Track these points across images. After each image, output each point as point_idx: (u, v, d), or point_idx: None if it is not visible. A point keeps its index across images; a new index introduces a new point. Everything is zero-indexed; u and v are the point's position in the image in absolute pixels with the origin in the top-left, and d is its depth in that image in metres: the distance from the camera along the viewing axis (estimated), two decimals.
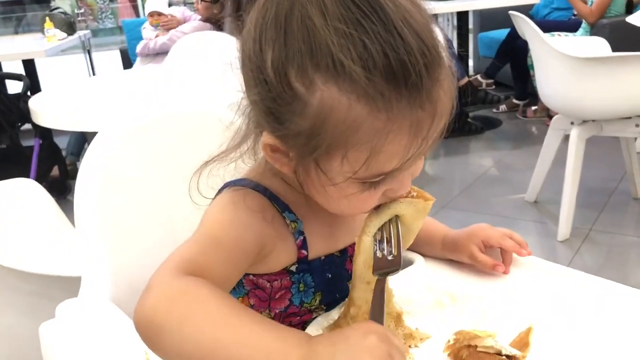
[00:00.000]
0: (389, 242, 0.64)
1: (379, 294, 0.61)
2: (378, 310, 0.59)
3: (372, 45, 0.51)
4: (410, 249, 0.86)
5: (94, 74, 5.15)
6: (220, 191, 0.70)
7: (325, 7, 0.52)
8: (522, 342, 0.62)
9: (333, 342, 0.51)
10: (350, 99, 0.52)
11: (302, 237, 0.69)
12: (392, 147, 0.54)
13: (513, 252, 0.80)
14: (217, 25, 4.20)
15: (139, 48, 4.30)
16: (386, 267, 0.63)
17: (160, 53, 4.12)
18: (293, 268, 0.70)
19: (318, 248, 0.71)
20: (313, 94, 0.53)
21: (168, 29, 4.23)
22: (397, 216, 0.65)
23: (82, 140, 3.74)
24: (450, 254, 0.83)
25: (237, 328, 0.52)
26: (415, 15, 0.53)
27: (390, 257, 0.63)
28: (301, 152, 0.58)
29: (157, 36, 4.23)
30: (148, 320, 0.54)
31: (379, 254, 0.64)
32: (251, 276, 0.70)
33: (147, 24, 4.35)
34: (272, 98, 0.55)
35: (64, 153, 3.73)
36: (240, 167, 0.71)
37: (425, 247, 0.85)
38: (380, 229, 0.64)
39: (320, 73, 0.53)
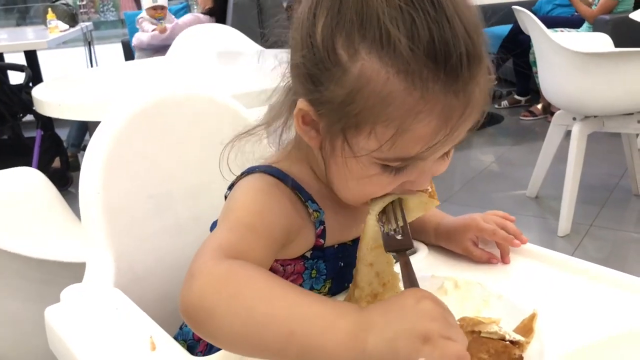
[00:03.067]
0: (395, 222, 0.64)
1: (405, 267, 0.61)
2: (410, 283, 0.59)
3: (420, 23, 0.53)
4: None
5: (95, 66, 5.15)
6: (241, 175, 0.70)
7: None
8: (526, 328, 0.62)
9: (387, 309, 0.51)
10: (389, 72, 0.54)
11: (322, 227, 0.70)
12: (420, 128, 0.55)
13: (506, 242, 0.80)
14: (216, 18, 4.21)
15: (135, 41, 4.30)
16: (397, 245, 0.63)
17: (160, 48, 4.12)
18: (307, 254, 0.71)
19: (333, 237, 0.72)
20: (355, 63, 0.55)
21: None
22: (400, 199, 0.65)
23: (83, 132, 3.74)
24: (444, 243, 0.84)
25: (288, 302, 0.52)
26: (466, 11, 0.56)
27: (399, 237, 0.63)
28: (331, 121, 0.59)
29: (153, 30, 4.22)
30: (197, 306, 0.54)
31: (388, 233, 0.64)
32: None
33: (144, 16, 4.33)
34: (315, 62, 0.58)
35: (64, 145, 3.74)
36: (267, 150, 0.72)
37: (418, 234, 0.86)
38: (384, 211, 0.65)
39: (365, 43, 0.54)
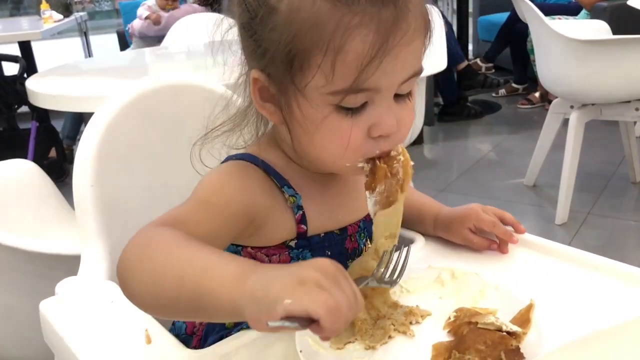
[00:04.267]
0: (392, 269, 0.67)
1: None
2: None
3: None
4: (403, 227, 0.86)
5: (91, 56, 5.11)
6: (221, 164, 0.71)
7: None
8: (523, 319, 0.62)
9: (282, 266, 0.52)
10: None
11: (301, 212, 0.69)
12: (357, 44, 0.56)
13: (504, 238, 0.80)
14: (211, 6, 4.17)
15: (130, 29, 4.25)
16: (386, 278, 0.66)
17: (155, 37, 4.09)
18: (292, 244, 0.70)
19: (317, 224, 0.71)
20: (281, 1, 0.57)
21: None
22: (409, 247, 0.69)
23: (78, 123, 3.72)
24: (443, 234, 0.83)
25: (188, 254, 0.53)
26: None
27: (387, 279, 0.66)
28: (279, 74, 0.60)
29: (147, 18, 4.17)
30: (119, 269, 0.56)
31: (377, 273, 0.66)
32: (249, 248, 0.70)
33: (150, 2, 4.26)
34: (250, 17, 0.60)
35: (60, 136, 3.72)
36: (240, 144, 0.72)
37: (417, 225, 0.86)
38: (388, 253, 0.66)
39: None
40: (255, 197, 0.66)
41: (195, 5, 4.28)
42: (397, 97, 0.62)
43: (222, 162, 0.71)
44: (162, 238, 0.56)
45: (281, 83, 0.61)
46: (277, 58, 0.59)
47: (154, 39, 4.05)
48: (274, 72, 0.61)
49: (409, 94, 0.63)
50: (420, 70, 0.61)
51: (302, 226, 0.70)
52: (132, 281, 0.55)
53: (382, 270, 0.66)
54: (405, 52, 0.58)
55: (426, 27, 0.61)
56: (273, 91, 0.63)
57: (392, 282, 0.67)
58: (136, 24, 4.20)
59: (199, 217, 0.61)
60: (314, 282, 0.45)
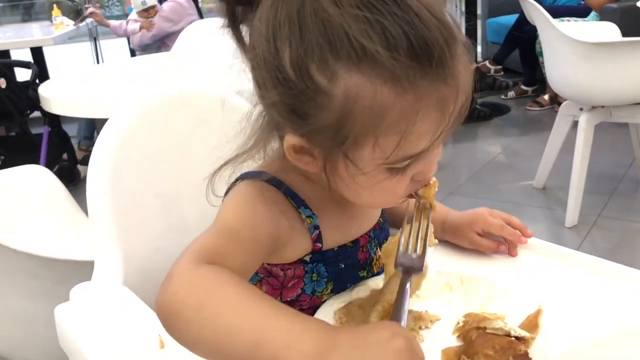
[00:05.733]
0: (416, 242, 0.66)
1: (402, 293, 0.61)
2: (398, 311, 0.59)
3: (391, 27, 0.51)
4: None
5: (101, 62, 5.16)
6: (235, 182, 0.70)
7: None
8: (532, 324, 0.62)
9: (357, 335, 0.50)
10: (375, 83, 0.52)
11: (317, 232, 0.70)
12: (422, 126, 0.55)
13: (513, 240, 0.80)
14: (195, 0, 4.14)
15: (132, 45, 4.27)
16: (409, 263, 0.65)
17: (156, 44, 4.11)
18: (307, 258, 0.71)
19: (332, 240, 0.72)
20: (336, 85, 0.53)
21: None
22: (430, 206, 0.67)
23: (93, 124, 3.74)
24: (451, 238, 0.84)
25: (256, 313, 0.52)
26: None
27: (414, 256, 0.65)
28: (328, 147, 0.58)
29: (141, 28, 4.18)
30: (168, 306, 0.54)
31: (402, 248, 0.65)
32: (265, 264, 0.70)
33: (133, 17, 4.29)
34: (294, 95, 0.55)
35: (76, 138, 3.76)
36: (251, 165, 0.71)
37: None
38: (412, 219, 0.66)
39: (341, 62, 0.52)
40: (279, 222, 0.66)
41: (182, 1, 4.20)
42: None
43: (237, 180, 0.69)
44: (223, 288, 0.54)
45: (328, 151, 0.58)
46: (327, 134, 0.56)
47: (154, 45, 4.07)
48: (319, 141, 0.58)
49: None
50: (464, 117, 0.60)
51: (318, 244, 0.70)
52: (188, 328, 0.53)
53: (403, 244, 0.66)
54: (461, 113, 0.58)
55: (469, 66, 0.59)
56: (314, 153, 0.60)
57: (418, 263, 0.65)
58: (135, 39, 4.22)
59: (235, 250, 0.60)
60: None
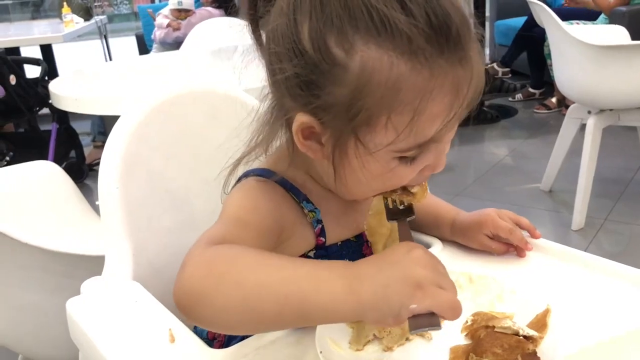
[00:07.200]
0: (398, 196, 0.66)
1: (402, 227, 0.62)
2: (405, 239, 0.61)
3: (411, 4, 0.52)
4: (421, 232, 0.88)
5: (110, 59, 5.18)
6: (239, 179, 0.71)
7: None
8: (540, 324, 0.62)
9: (377, 259, 0.52)
10: (391, 56, 0.53)
11: (320, 226, 0.70)
12: (436, 106, 0.54)
13: (520, 246, 0.80)
14: (225, 10, 4.20)
15: (156, 36, 4.31)
16: (399, 213, 0.65)
17: (173, 44, 4.14)
18: (311, 254, 0.71)
19: (335, 234, 0.73)
20: (353, 57, 0.54)
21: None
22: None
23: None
24: (460, 239, 0.84)
25: (277, 267, 0.52)
26: None
27: (401, 207, 0.65)
28: (339, 127, 0.57)
29: (168, 25, 4.22)
30: (188, 291, 0.54)
31: (389, 204, 0.65)
32: None
33: (164, 12, 4.33)
34: (310, 68, 0.55)
35: (90, 135, 3.78)
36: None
37: (433, 230, 0.86)
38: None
39: (360, 34, 0.53)
40: (282, 215, 0.67)
41: (211, 9, 4.32)
42: None
43: (241, 178, 0.71)
44: (239, 256, 0.54)
45: (338, 132, 0.58)
46: (338, 110, 0.56)
47: (173, 45, 4.11)
48: (330, 121, 0.58)
49: None
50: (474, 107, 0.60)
51: (321, 238, 0.71)
52: (212, 303, 0.52)
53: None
54: (473, 100, 0.58)
55: (482, 54, 0.60)
56: (324, 136, 0.60)
57: (406, 209, 0.66)
58: (157, 33, 4.26)
59: (242, 235, 0.60)
60: (430, 281, 0.49)
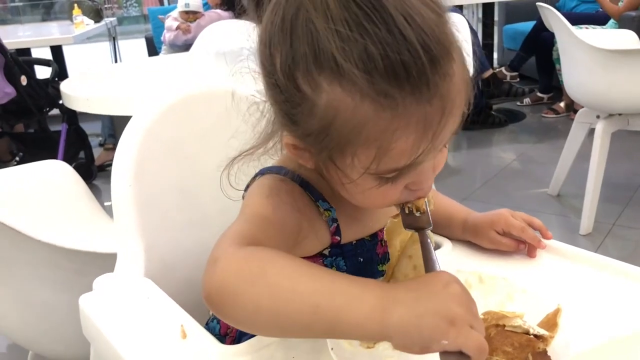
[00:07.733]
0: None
1: (426, 246, 0.62)
2: (431, 261, 0.60)
3: (372, 47, 0.51)
4: (432, 231, 0.88)
5: (120, 61, 5.21)
6: (255, 177, 0.72)
7: (329, 9, 0.52)
8: (550, 323, 0.63)
9: (414, 287, 0.51)
10: (354, 99, 0.53)
11: (335, 224, 0.71)
12: (400, 144, 0.54)
13: (533, 243, 0.81)
14: (234, 11, 4.21)
15: (168, 38, 4.33)
16: (415, 222, 0.64)
17: (182, 46, 4.15)
18: (326, 252, 0.72)
19: (350, 233, 0.73)
20: (319, 95, 0.54)
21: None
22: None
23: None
24: (471, 237, 0.84)
25: (312, 277, 0.52)
26: (422, 10, 0.53)
27: (417, 214, 0.64)
28: (317, 150, 0.59)
29: (177, 28, 4.24)
30: (220, 289, 0.54)
31: (406, 210, 0.65)
32: None
33: (174, 14, 4.35)
34: (284, 100, 0.58)
35: (100, 137, 3.80)
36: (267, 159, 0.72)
37: (445, 229, 0.86)
38: None
39: (324, 75, 0.53)
40: (300, 214, 0.67)
41: (221, 12, 4.33)
42: None
43: (257, 176, 0.71)
44: (275, 260, 0.55)
45: (318, 154, 0.60)
46: (315, 140, 0.57)
47: (182, 47, 4.12)
48: (309, 145, 0.60)
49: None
50: (460, 126, 0.59)
51: (336, 237, 0.71)
52: (244, 303, 0.53)
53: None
54: (450, 125, 0.56)
55: (467, 81, 0.57)
56: (310, 154, 0.62)
57: (422, 217, 0.65)
58: (167, 35, 4.28)
59: (269, 235, 0.61)
60: (463, 320, 0.49)
